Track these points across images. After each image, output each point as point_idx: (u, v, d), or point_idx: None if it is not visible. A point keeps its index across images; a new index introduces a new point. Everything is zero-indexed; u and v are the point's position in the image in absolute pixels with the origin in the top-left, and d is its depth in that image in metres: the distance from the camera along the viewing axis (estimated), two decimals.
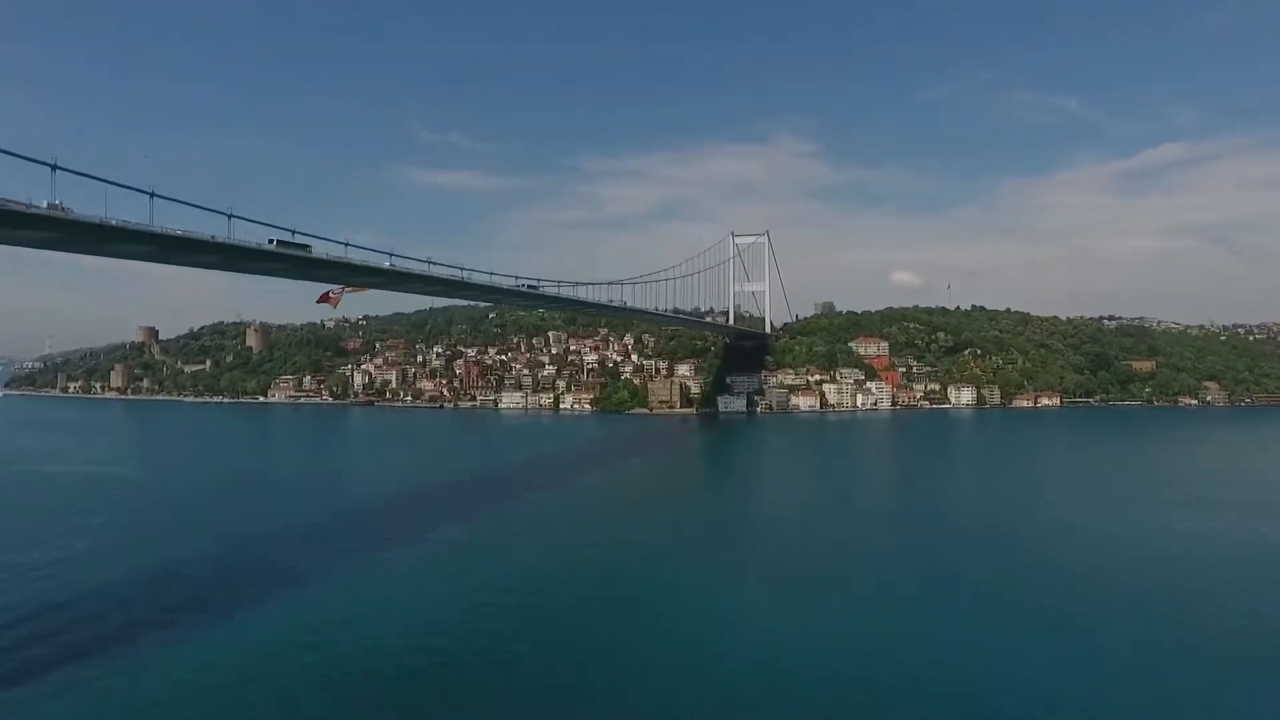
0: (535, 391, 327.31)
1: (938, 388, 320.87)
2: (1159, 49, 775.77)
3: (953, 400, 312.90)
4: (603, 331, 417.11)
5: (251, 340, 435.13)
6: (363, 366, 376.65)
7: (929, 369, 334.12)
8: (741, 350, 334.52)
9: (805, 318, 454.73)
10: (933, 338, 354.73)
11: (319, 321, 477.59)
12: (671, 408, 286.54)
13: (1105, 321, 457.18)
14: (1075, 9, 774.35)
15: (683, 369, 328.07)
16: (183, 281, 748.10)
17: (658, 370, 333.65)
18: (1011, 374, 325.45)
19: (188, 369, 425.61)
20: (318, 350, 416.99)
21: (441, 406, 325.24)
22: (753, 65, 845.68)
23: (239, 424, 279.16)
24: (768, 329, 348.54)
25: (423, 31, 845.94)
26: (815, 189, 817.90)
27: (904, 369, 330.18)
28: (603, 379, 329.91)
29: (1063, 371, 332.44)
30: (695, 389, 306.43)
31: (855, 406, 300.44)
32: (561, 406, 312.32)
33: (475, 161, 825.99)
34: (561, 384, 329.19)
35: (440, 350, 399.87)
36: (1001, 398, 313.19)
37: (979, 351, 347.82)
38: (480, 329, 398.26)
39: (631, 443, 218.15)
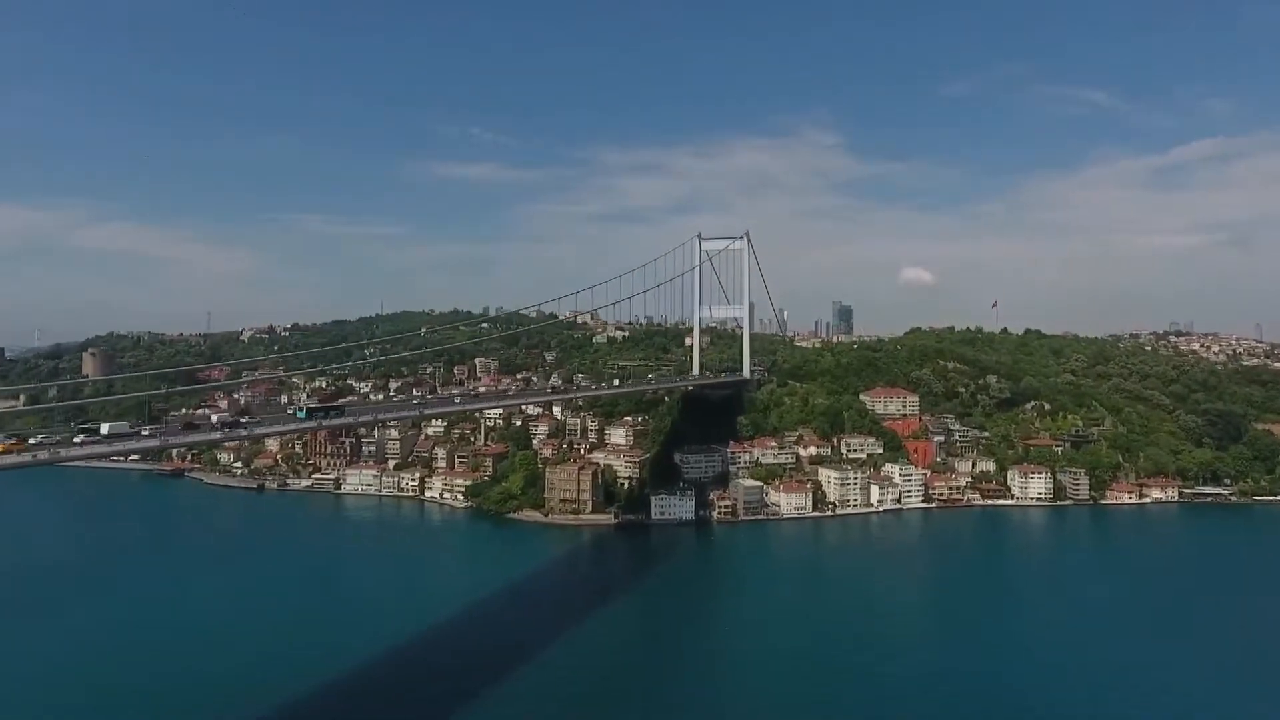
0: (404, 465, 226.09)
1: (992, 468, 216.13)
2: (1192, 41, 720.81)
3: (1016, 492, 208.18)
4: (549, 357, 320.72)
5: (88, 367, 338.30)
6: (200, 410, 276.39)
7: (976, 434, 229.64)
8: (707, 403, 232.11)
9: (813, 343, 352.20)
10: (980, 384, 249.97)
11: (240, 334, 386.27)
12: (578, 511, 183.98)
13: (1173, 336, 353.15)
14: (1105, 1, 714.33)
15: (618, 434, 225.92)
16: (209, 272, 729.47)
17: (584, 432, 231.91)
18: (1100, 450, 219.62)
19: (2, 405, 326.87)
20: (166, 382, 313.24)
21: (261, 487, 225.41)
22: (775, 59, 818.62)
23: None
24: (746, 371, 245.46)
25: (446, 31, 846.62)
26: (837, 182, 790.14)
27: (940, 434, 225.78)
28: (504, 445, 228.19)
29: (1176, 442, 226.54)
30: (625, 470, 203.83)
31: (869, 504, 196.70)
32: (428, 493, 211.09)
33: (496, 154, 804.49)
34: (442, 453, 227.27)
35: (322, 385, 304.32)
36: (1091, 487, 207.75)
37: (1046, 406, 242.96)
38: (389, 352, 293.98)
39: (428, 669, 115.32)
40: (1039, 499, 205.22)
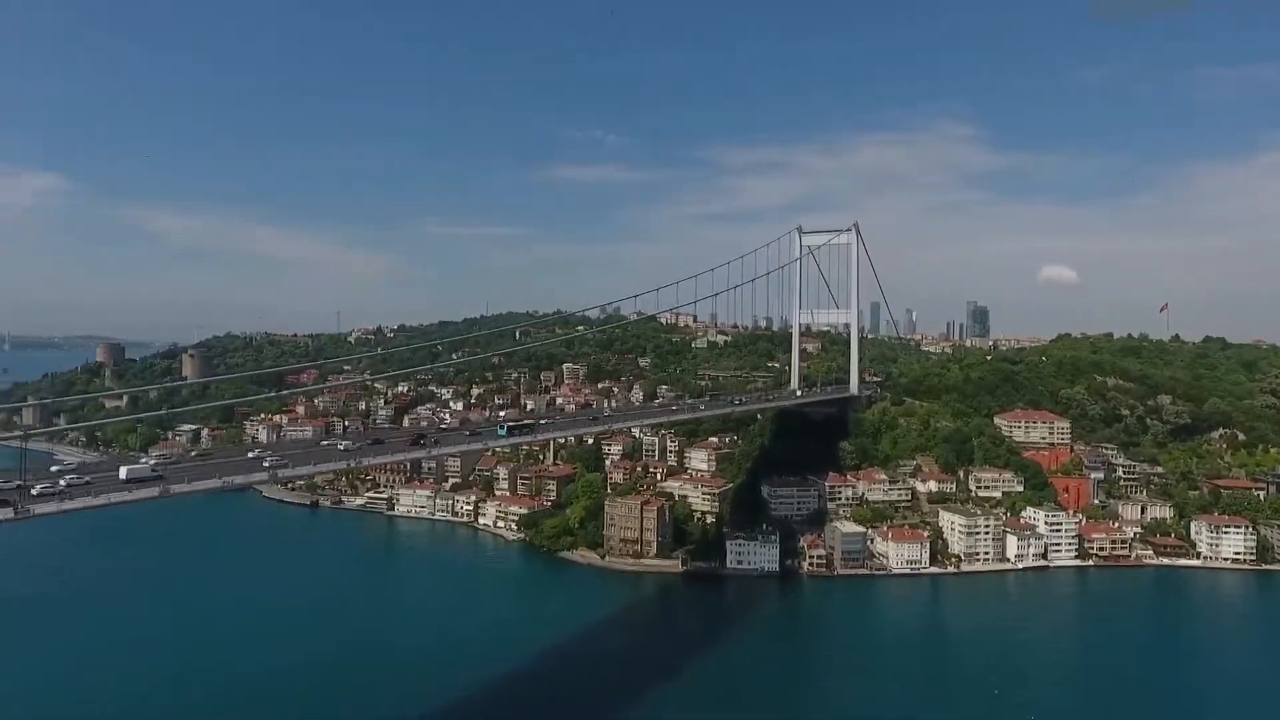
0: (463, 485, 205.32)
1: (1169, 516, 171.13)
2: None
3: (1204, 549, 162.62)
4: (643, 363, 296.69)
5: (187, 369, 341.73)
6: (275, 419, 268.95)
7: (1146, 470, 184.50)
8: (805, 422, 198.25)
9: (942, 347, 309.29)
10: (1150, 405, 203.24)
11: (349, 335, 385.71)
12: (640, 554, 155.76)
13: None
14: None
15: (699, 456, 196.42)
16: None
17: (663, 453, 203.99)
18: None
19: (110, 405, 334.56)
20: (256, 386, 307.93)
21: (315, 504, 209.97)
22: (904, 50, 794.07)
23: None
24: (853, 387, 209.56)
25: (571, 34, 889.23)
26: (970, 175, 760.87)
27: (1099, 470, 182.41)
28: (573, 466, 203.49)
29: None
30: (702, 503, 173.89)
31: (1003, 559, 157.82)
32: (481, 520, 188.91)
33: (617, 156, 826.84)
34: (504, 473, 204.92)
35: (404, 390, 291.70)
36: None
37: (1239, 435, 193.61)
38: (474, 353, 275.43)
39: None
40: (1235, 560, 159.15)
